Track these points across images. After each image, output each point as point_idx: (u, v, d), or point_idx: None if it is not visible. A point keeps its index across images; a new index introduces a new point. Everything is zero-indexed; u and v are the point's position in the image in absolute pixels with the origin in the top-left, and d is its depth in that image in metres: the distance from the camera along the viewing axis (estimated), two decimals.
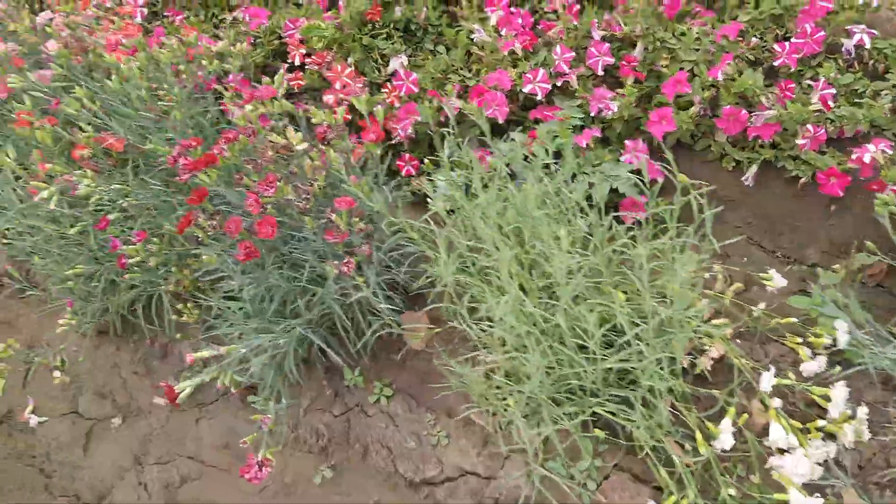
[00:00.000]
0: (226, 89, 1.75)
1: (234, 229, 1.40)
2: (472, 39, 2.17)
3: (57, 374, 1.92)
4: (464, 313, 1.43)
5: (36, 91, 1.73)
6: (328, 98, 2.15)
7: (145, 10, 2.54)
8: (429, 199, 1.88)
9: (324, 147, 1.52)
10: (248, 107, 1.67)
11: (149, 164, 1.76)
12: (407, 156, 2.08)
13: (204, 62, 1.78)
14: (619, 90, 1.95)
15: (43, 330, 1.99)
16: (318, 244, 1.48)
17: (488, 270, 1.44)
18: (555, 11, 2.11)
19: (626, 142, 1.89)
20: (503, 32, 2.10)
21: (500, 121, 1.98)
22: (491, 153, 2.04)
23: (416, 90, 2.10)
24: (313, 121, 1.54)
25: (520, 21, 2.12)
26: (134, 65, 1.63)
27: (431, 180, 2.05)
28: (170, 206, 1.67)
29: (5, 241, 1.72)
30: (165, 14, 2.56)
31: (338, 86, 2.13)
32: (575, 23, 2.03)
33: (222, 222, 1.41)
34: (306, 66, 2.20)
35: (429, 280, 1.57)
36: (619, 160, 1.88)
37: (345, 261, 1.40)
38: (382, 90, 2.17)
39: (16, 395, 1.97)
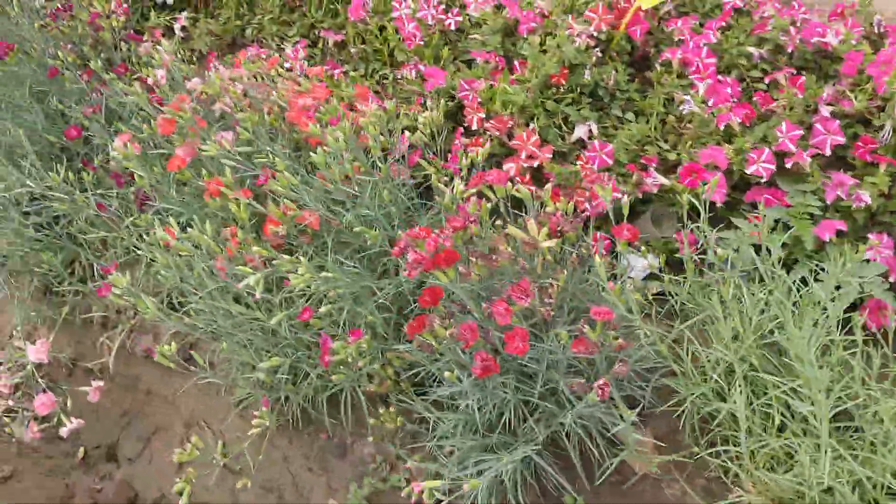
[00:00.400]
0: (428, 162, 1.58)
1: (471, 337, 1.21)
2: (666, 107, 1.98)
3: (216, 458, 1.76)
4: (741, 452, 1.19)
5: (228, 159, 1.59)
6: (509, 167, 1.97)
7: (305, 63, 2.44)
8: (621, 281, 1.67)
9: (557, 240, 1.32)
10: (459, 184, 1.50)
11: (341, 242, 1.60)
12: (597, 233, 1.87)
13: (407, 133, 1.61)
14: (851, 173, 1.72)
15: (205, 409, 1.84)
16: (557, 355, 1.27)
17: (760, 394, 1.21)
18: (772, 83, 1.89)
19: (870, 236, 1.64)
20: (710, 102, 1.89)
21: (719, 203, 1.76)
22: (695, 237, 1.81)
23: (609, 162, 1.90)
24: (547, 209, 1.35)
25: (728, 91, 1.90)
26: (339, 136, 1.48)
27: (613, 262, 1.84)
28: (367, 291, 1.50)
29: (186, 319, 1.57)
30: (324, 66, 2.44)
31: (523, 155, 1.95)
32: (800, 96, 1.80)
33: (453, 326, 1.22)
34: (486, 132, 2.03)
35: (675, 400, 1.35)
36: (866, 259, 1.63)
37: (600, 382, 1.18)
38: (576, 161, 1.98)
39: (169, 476, 1.82)
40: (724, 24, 1.99)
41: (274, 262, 1.39)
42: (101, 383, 1.87)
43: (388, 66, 2.39)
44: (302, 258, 1.33)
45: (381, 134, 1.56)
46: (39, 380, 1.94)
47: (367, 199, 1.55)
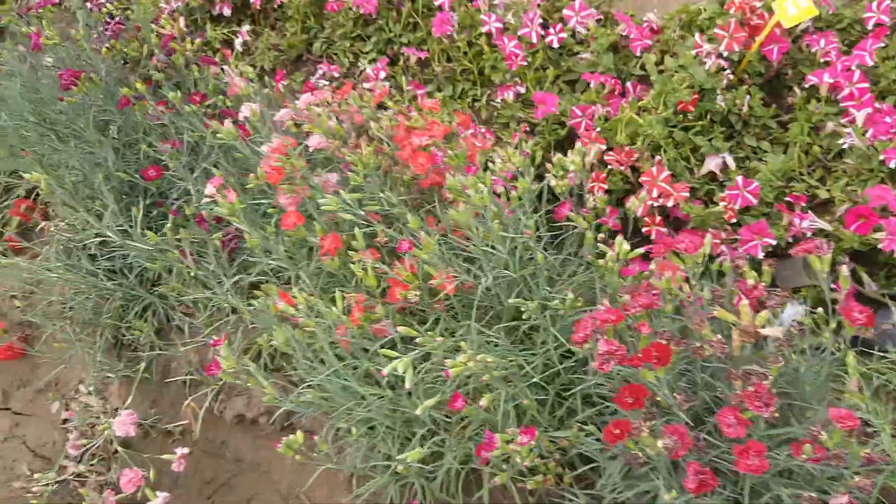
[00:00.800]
0: (581, 216, 1.37)
1: (681, 446, 1.00)
2: (810, 137, 1.76)
3: None
4: None
5: (347, 212, 1.38)
6: (632, 204, 1.76)
7: (387, 85, 2.22)
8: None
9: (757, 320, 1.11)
10: (624, 244, 1.29)
11: (472, 306, 1.40)
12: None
13: (554, 182, 1.40)
14: None
15: (304, 480, 1.63)
16: (774, 459, 1.07)
17: None
18: None
19: None
20: (868, 134, 1.68)
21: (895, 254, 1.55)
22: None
23: (754, 202, 1.68)
24: (749, 281, 1.14)
25: (888, 120, 1.69)
26: (482, 189, 1.27)
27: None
28: (516, 367, 1.29)
29: (304, 396, 1.36)
30: (406, 87, 2.23)
31: (654, 193, 1.74)
32: None
33: (658, 432, 1.02)
34: (607, 165, 1.82)
35: None
36: None
37: (843, 501, 0.98)
38: (708, 198, 1.77)
39: None
40: (879, 44, 1.77)
41: (417, 340, 1.19)
42: (185, 450, 1.67)
43: (478, 87, 2.17)
44: (463, 344, 1.12)
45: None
46: (116, 445, 1.75)
47: (508, 259, 1.34)
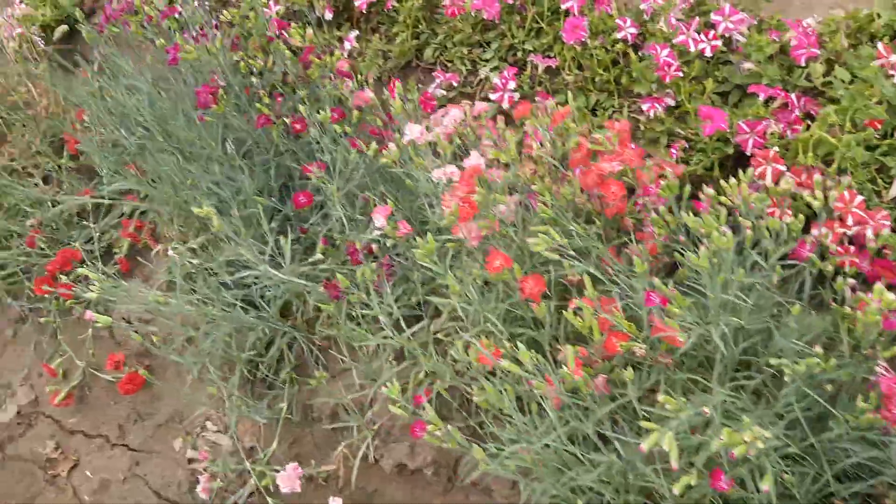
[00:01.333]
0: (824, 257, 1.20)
1: None
2: None
3: None
4: None
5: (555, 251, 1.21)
6: (821, 234, 1.58)
7: (516, 96, 2.04)
8: None
9: None
10: (887, 294, 1.12)
11: (692, 357, 1.23)
12: None
13: (788, 218, 1.22)
14: None
15: None
16: None
17: None
18: None
19: None
20: None
21: None
22: None
23: None
24: None
25: None
26: (726, 231, 1.09)
27: None
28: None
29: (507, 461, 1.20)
30: (535, 98, 2.04)
31: (850, 221, 1.55)
32: None
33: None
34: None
35: None
36: None
37: None
38: None
39: None
40: None
41: (668, 407, 1.02)
42: (339, 501, 1.52)
43: (615, 98, 1.99)
44: (746, 418, 0.95)
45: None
46: (264, 494, 1.59)
47: (743, 306, 1.17)
